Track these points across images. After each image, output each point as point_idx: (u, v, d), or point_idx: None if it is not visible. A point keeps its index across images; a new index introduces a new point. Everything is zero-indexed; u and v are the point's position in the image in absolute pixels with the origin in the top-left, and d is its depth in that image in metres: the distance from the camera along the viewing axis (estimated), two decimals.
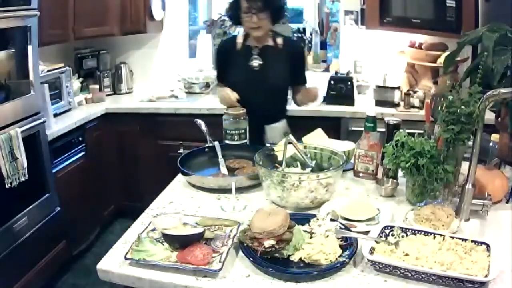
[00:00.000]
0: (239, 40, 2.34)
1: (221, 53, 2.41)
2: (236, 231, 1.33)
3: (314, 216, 1.38)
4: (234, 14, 2.27)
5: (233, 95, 2.19)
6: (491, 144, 1.69)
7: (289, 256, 1.24)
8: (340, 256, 1.22)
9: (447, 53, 2.40)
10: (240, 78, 2.30)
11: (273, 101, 2.33)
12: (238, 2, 2.22)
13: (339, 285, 1.15)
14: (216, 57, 2.47)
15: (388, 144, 1.62)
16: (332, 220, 1.35)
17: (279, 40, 2.33)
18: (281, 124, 2.39)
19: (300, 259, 1.22)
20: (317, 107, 3.16)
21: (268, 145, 2.03)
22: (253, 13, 2.16)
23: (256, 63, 2.28)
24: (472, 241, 1.22)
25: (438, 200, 1.51)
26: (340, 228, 1.32)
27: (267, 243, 1.22)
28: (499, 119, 1.68)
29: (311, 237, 1.28)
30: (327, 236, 1.27)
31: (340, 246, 1.25)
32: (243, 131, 2.09)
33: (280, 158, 1.74)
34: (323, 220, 1.33)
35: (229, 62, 2.34)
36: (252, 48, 2.30)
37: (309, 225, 1.34)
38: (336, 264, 1.19)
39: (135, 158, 3.45)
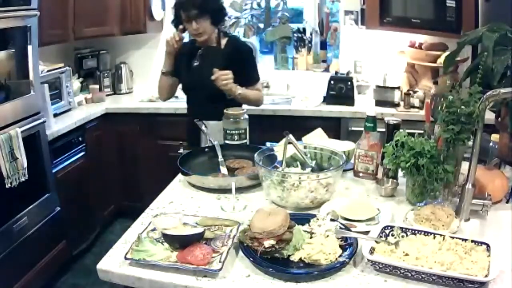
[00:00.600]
0: (194, 42, 2.44)
1: (178, 53, 2.44)
2: (236, 231, 1.33)
3: (314, 216, 1.38)
4: (178, 23, 2.34)
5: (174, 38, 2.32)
6: (491, 144, 1.69)
7: (289, 256, 1.23)
8: (340, 256, 1.22)
9: (447, 53, 2.40)
10: (184, 77, 2.43)
11: (212, 100, 2.30)
12: (178, 15, 2.31)
13: (339, 285, 1.15)
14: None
15: (388, 144, 1.62)
16: (332, 220, 1.35)
17: (223, 41, 2.39)
18: (219, 124, 2.24)
19: (300, 259, 1.22)
20: (317, 107, 3.17)
21: (209, 143, 2.07)
22: (192, 20, 2.24)
23: (195, 63, 2.38)
24: (472, 241, 1.22)
25: (438, 200, 1.51)
26: (340, 228, 1.32)
27: (267, 243, 1.22)
28: (499, 119, 1.68)
29: (311, 237, 1.28)
30: (327, 236, 1.27)
31: (340, 246, 1.25)
32: (243, 131, 2.09)
33: (280, 158, 1.74)
34: (323, 220, 1.33)
35: (181, 61, 2.42)
36: (198, 49, 2.41)
37: (309, 225, 1.34)
38: (336, 264, 1.19)
39: (135, 158, 3.45)
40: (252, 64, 2.48)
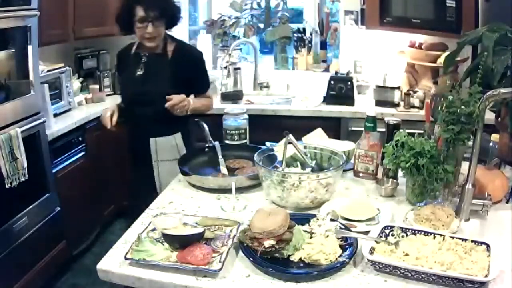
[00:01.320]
0: (134, 47, 2.17)
1: (118, 60, 2.27)
2: (236, 231, 1.33)
3: (314, 216, 1.38)
4: (126, 21, 2.04)
5: (108, 113, 2.04)
6: (491, 144, 1.69)
7: (289, 256, 1.23)
8: (340, 256, 1.22)
9: (447, 53, 2.40)
10: (127, 88, 2.19)
11: (158, 113, 2.02)
12: (131, 10, 2.01)
13: (339, 285, 1.15)
14: (115, 65, 2.26)
15: (388, 144, 1.62)
16: (332, 220, 1.35)
17: (170, 47, 2.13)
18: (171, 139, 2.13)
19: (300, 259, 1.22)
20: (317, 107, 3.17)
21: (154, 161, 2.08)
22: (149, 21, 1.98)
23: (139, 72, 2.10)
24: (472, 241, 1.22)
25: (438, 200, 1.51)
26: (340, 228, 1.32)
27: (267, 243, 1.22)
28: (499, 119, 1.68)
29: (311, 237, 1.28)
30: (327, 236, 1.27)
31: (340, 246, 1.25)
32: (243, 131, 2.09)
33: (280, 158, 1.74)
34: (323, 220, 1.33)
35: (122, 70, 2.22)
36: (141, 57, 2.13)
37: (309, 225, 1.34)
38: (336, 264, 1.19)
39: None
40: (203, 71, 2.23)
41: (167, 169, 2.06)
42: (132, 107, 2.11)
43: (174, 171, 1.86)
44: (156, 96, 2.02)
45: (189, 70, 2.12)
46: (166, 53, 2.11)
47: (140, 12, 1.98)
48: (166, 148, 2.10)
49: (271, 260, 1.22)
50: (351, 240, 1.27)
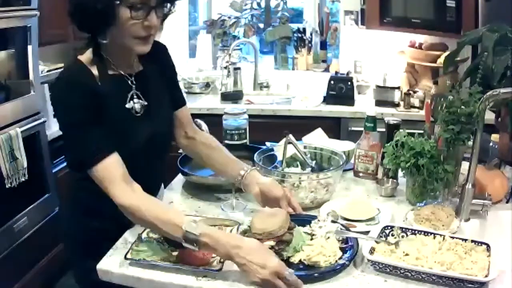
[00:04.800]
0: (92, 68, 1.28)
1: (81, 98, 1.23)
2: (236, 231, 1.33)
3: (315, 217, 1.38)
4: (97, 7, 1.18)
5: None
6: (491, 144, 1.69)
7: (288, 257, 1.23)
8: (340, 258, 1.21)
9: (447, 53, 2.40)
10: (123, 141, 1.30)
11: (155, 163, 1.47)
12: None
13: (339, 285, 1.15)
14: (72, 108, 1.24)
15: (388, 144, 1.62)
16: (333, 221, 1.35)
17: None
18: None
19: (300, 260, 1.22)
20: (317, 107, 3.17)
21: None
22: (153, 7, 1.23)
23: (138, 103, 1.36)
24: (472, 241, 1.22)
25: (438, 200, 1.51)
26: (341, 229, 1.32)
27: (267, 244, 1.22)
28: (499, 119, 1.68)
29: (311, 239, 1.28)
30: (328, 238, 1.27)
31: (341, 248, 1.25)
32: (243, 131, 2.08)
33: (280, 158, 1.74)
34: (323, 222, 1.33)
35: (94, 116, 1.24)
36: (126, 78, 1.35)
37: (309, 226, 1.33)
38: (336, 267, 1.18)
39: None
40: (176, 73, 1.56)
41: None
42: (133, 165, 1.29)
43: None
44: (166, 138, 1.51)
45: (167, 74, 1.50)
46: (144, 64, 1.41)
47: None
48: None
49: None
50: (351, 242, 1.27)
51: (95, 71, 1.28)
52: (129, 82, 1.35)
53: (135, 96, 1.35)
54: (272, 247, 1.22)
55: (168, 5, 1.30)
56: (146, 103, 1.37)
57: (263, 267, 1.10)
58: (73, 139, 1.28)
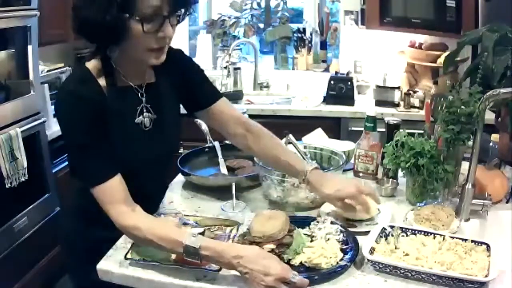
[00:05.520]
0: (100, 79, 1.23)
1: (87, 113, 1.19)
2: (236, 231, 1.33)
3: (314, 219, 1.38)
4: (111, 31, 1.11)
5: None
6: (491, 144, 1.69)
7: (289, 260, 1.23)
8: (341, 260, 1.21)
9: (447, 53, 2.40)
10: (123, 153, 1.26)
11: (161, 172, 1.50)
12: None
13: (339, 285, 1.15)
14: (80, 126, 1.20)
15: (388, 144, 1.62)
16: (332, 223, 1.34)
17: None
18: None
19: (301, 263, 1.21)
20: (317, 107, 3.17)
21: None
22: (166, 16, 1.15)
23: (147, 118, 1.31)
24: (472, 241, 1.22)
25: (438, 200, 1.51)
26: (341, 231, 1.32)
27: (267, 247, 1.21)
28: (499, 119, 1.68)
29: (311, 241, 1.28)
30: (328, 239, 1.27)
31: (341, 249, 1.25)
32: None
33: None
34: (323, 223, 1.33)
35: (99, 130, 1.20)
36: (135, 91, 1.30)
37: (309, 228, 1.33)
38: (337, 268, 1.18)
39: None
40: (198, 68, 1.47)
41: None
42: (141, 177, 1.30)
43: None
44: (174, 149, 1.50)
45: (186, 80, 1.42)
46: (157, 76, 1.36)
47: (153, 1, 1.12)
48: None
49: None
50: (351, 243, 1.27)
51: (102, 81, 1.23)
52: (139, 94, 1.30)
53: (144, 110, 1.31)
54: (272, 250, 1.21)
55: (183, 10, 1.22)
56: (155, 116, 1.33)
57: (266, 274, 1.08)
58: (75, 158, 1.26)
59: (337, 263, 1.20)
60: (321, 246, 1.23)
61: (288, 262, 1.22)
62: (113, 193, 1.20)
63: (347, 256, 1.22)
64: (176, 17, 1.21)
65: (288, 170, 1.46)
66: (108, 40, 1.17)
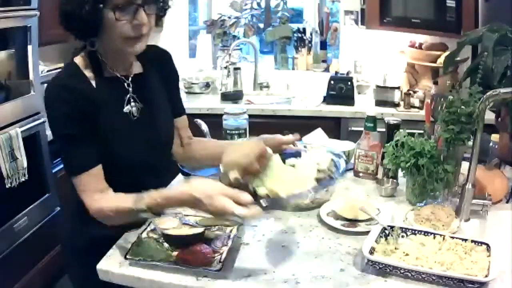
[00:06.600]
0: (87, 71, 1.27)
1: (72, 103, 1.21)
2: (236, 231, 1.33)
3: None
4: (88, 15, 1.15)
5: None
6: (491, 144, 1.69)
7: (255, 190, 1.18)
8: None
9: (447, 53, 2.40)
10: (114, 143, 1.28)
11: (155, 171, 1.39)
12: None
13: (339, 285, 1.15)
14: (64, 117, 1.22)
15: (388, 144, 1.62)
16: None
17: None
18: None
19: (266, 194, 1.17)
20: (317, 107, 3.17)
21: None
22: (140, 4, 1.19)
23: (134, 107, 1.33)
24: (472, 241, 1.22)
25: (438, 200, 1.51)
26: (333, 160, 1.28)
27: (232, 174, 1.18)
28: (499, 119, 1.68)
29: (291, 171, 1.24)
30: (311, 168, 1.24)
31: (318, 179, 1.22)
32: (243, 131, 2.08)
33: None
34: (314, 150, 1.29)
35: (91, 117, 1.23)
36: (122, 84, 1.32)
37: (296, 158, 1.30)
38: (291, 198, 1.15)
39: None
40: (177, 75, 1.54)
41: None
42: (130, 177, 1.29)
43: None
44: (168, 141, 1.47)
45: (168, 80, 1.48)
46: (144, 65, 1.40)
47: None
48: None
49: None
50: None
51: (89, 73, 1.27)
52: (125, 85, 1.33)
53: (131, 100, 1.33)
54: (236, 179, 1.17)
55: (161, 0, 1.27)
56: (142, 105, 1.35)
57: (209, 197, 1.08)
58: (59, 147, 1.29)
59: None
60: (293, 176, 1.19)
61: (255, 193, 1.18)
62: (90, 183, 1.24)
63: (314, 186, 1.18)
64: (153, 5, 1.24)
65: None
66: (88, 32, 1.22)
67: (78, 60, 1.29)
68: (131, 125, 1.33)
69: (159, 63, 1.44)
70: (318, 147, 1.29)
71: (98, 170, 1.25)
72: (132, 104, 1.33)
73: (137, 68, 1.38)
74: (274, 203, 1.16)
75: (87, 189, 1.24)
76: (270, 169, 1.21)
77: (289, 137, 1.40)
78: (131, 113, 1.33)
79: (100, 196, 1.24)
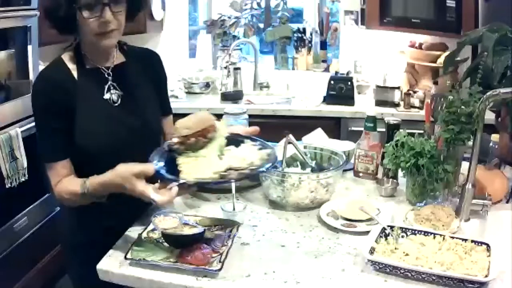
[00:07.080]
0: (70, 64, 1.39)
1: (51, 94, 1.34)
2: (236, 231, 1.33)
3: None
4: (63, 13, 1.30)
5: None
6: (491, 144, 1.69)
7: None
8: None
9: (447, 53, 2.40)
10: (96, 128, 1.37)
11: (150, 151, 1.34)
12: None
13: (339, 285, 1.15)
14: (42, 108, 1.36)
15: (388, 144, 1.62)
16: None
17: (121, 52, 1.49)
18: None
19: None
20: (317, 107, 3.17)
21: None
22: (105, 3, 1.29)
23: (114, 94, 1.42)
24: (472, 241, 1.22)
25: (438, 200, 1.51)
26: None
27: (174, 138, 1.26)
28: (499, 119, 1.68)
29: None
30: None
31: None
32: None
33: (280, 158, 1.73)
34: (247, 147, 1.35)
35: (68, 111, 1.34)
36: (102, 71, 1.42)
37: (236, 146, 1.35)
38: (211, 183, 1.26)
39: None
40: (166, 80, 1.64)
41: None
42: (116, 161, 1.27)
43: None
44: (152, 127, 1.51)
45: (156, 77, 1.56)
46: (128, 57, 1.49)
47: None
48: None
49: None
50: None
51: (72, 66, 1.39)
52: (105, 74, 1.42)
53: (111, 87, 1.42)
54: (176, 144, 1.26)
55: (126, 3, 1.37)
56: (122, 93, 1.43)
57: (129, 182, 1.20)
58: (38, 134, 1.42)
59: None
60: (216, 162, 1.25)
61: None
62: (58, 169, 1.37)
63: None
64: (119, 4, 1.34)
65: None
66: (68, 28, 1.37)
67: (64, 54, 1.42)
68: (112, 110, 1.41)
69: (147, 62, 1.54)
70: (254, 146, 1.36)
71: (67, 160, 1.38)
72: (113, 91, 1.42)
73: (119, 60, 1.48)
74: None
75: (55, 175, 1.37)
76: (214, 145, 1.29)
77: (248, 129, 1.50)
78: (111, 100, 1.42)
79: (62, 181, 1.36)
